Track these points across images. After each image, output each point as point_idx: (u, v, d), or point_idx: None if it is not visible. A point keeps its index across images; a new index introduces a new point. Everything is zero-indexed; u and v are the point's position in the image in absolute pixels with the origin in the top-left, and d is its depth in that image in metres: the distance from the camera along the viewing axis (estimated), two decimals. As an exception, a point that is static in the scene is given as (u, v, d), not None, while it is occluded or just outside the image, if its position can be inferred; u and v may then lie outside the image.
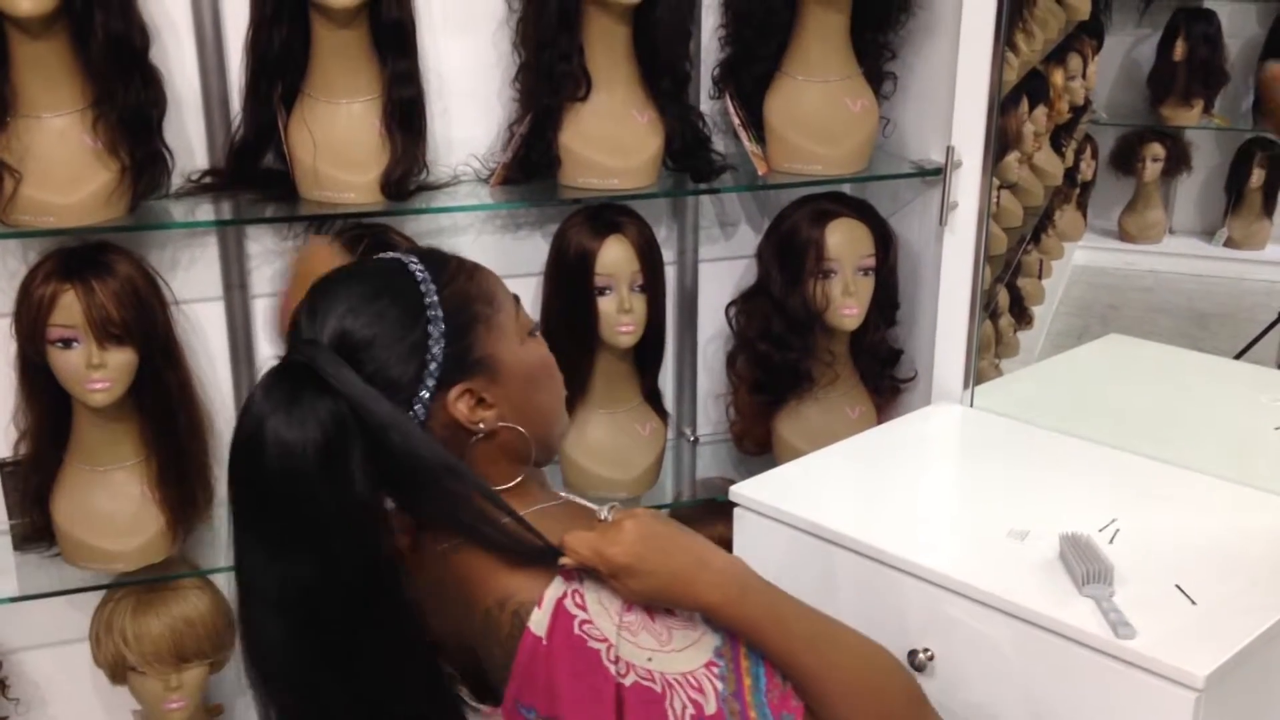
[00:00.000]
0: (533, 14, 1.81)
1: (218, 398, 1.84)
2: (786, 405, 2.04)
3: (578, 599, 1.02)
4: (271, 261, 1.84)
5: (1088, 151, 2.29)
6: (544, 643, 1.01)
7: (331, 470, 1.00)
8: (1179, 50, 2.15)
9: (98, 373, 1.61)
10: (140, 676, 1.79)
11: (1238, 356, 2.06)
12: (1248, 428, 1.82)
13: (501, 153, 1.87)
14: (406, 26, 1.72)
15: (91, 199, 1.61)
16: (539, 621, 1.02)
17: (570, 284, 1.88)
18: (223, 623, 1.83)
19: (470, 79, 1.87)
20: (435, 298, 1.07)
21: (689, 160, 1.92)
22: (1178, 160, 2.24)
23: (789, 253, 1.95)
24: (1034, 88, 2.06)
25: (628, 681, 0.99)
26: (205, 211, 1.75)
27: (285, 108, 1.73)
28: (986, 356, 2.01)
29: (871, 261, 1.95)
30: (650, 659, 1.00)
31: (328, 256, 1.37)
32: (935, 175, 1.89)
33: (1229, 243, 2.20)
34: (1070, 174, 2.26)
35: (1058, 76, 2.15)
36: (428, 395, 1.05)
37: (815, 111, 1.91)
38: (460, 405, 1.07)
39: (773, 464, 1.89)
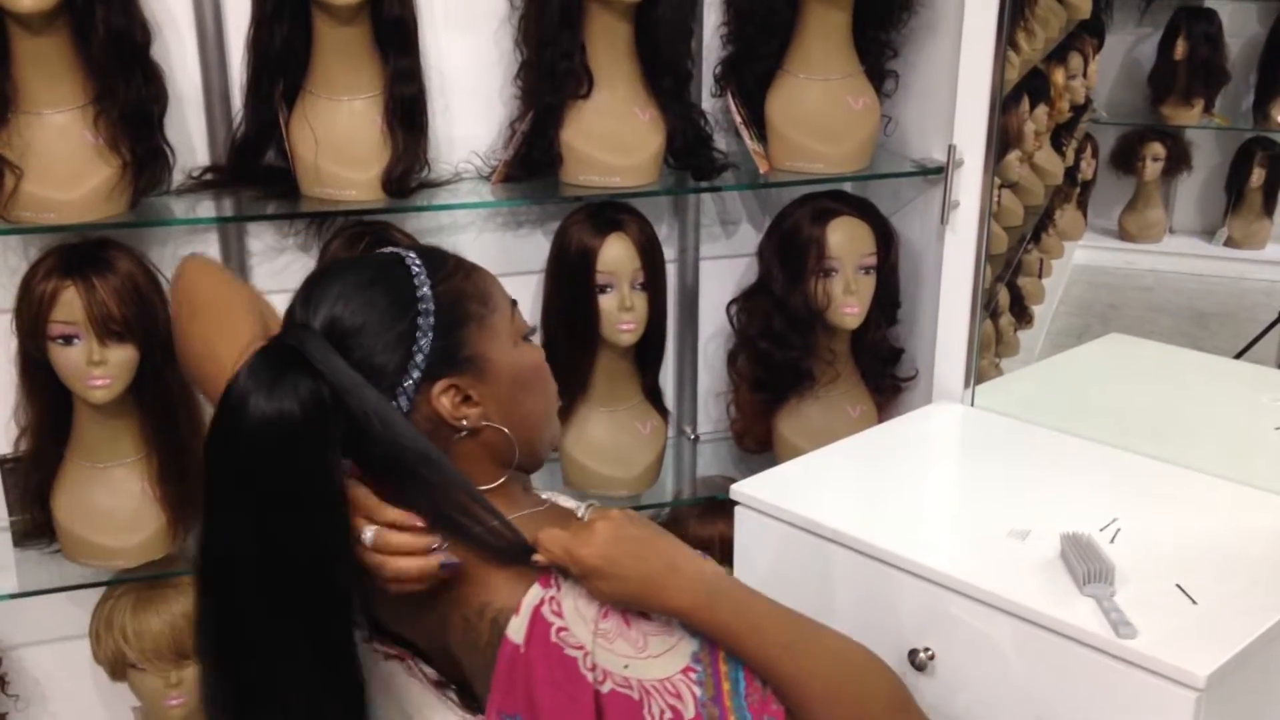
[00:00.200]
0: (534, 11, 1.80)
1: (218, 395, 1.83)
2: (787, 404, 2.04)
3: (554, 606, 1.01)
4: (272, 258, 1.84)
5: (1088, 150, 2.28)
6: (522, 650, 1.00)
7: (303, 448, 1.00)
8: (1180, 49, 2.15)
9: (98, 369, 1.61)
10: (140, 673, 1.79)
11: (1238, 356, 2.06)
12: (1248, 427, 1.82)
13: (503, 150, 1.87)
14: (408, 24, 1.72)
15: (92, 195, 1.61)
16: (517, 629, 1.01)
17: (571, 282, 1.88)
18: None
19: (472, 76, 1.87)
20: (428, 291, 1.07)
21: (690, 158, 1.92)
22: (1178, 160, 2.24)
23: (790, 251, 1.95)
24: (1035, 86, 2.06)
25: (605, 689, 0.99)
26: (206, 208, 1.74)
27: (287, 104, 1.73)
28: (987, 356, 2.01)
29: (873, 260, 1.95)
30: (627, 666, 0.99)
31: (208, 274, 1.33)
32: (937, 174, 1.89)
33: (1229, 242, 2.20)
34: (1071, 173, 2.26)
35: (1059, 75, 2.15)
36: (412, 386, 1.05)
37: (817, 110, 1.91)
38: (444, 400, 1.07)
39: (773, 462, 1.89)
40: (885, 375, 2.06)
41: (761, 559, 1.63)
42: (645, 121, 1.85)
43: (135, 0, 1.61)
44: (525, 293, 1.94)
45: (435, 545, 1.04)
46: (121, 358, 1.62)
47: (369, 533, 1.04)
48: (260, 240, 1.83)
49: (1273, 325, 2.04)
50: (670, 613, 1.01)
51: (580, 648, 0.99)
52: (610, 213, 1.88)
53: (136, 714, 1.93)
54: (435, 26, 1.82)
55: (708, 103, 1.99)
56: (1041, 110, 2.11)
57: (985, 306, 1.91)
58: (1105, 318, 2.31)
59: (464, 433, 1.08)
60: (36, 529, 1.75)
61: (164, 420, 1.71)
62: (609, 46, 1.81)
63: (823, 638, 1.07)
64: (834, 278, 1.93)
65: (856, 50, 1.91)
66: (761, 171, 1.91)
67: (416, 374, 1.05)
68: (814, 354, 1.99)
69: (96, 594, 1.83)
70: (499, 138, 1.90)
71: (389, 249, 1.14)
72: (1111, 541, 1.47)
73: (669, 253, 2.00)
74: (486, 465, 1.11)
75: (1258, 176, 2.16)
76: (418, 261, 1.10)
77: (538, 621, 1.00)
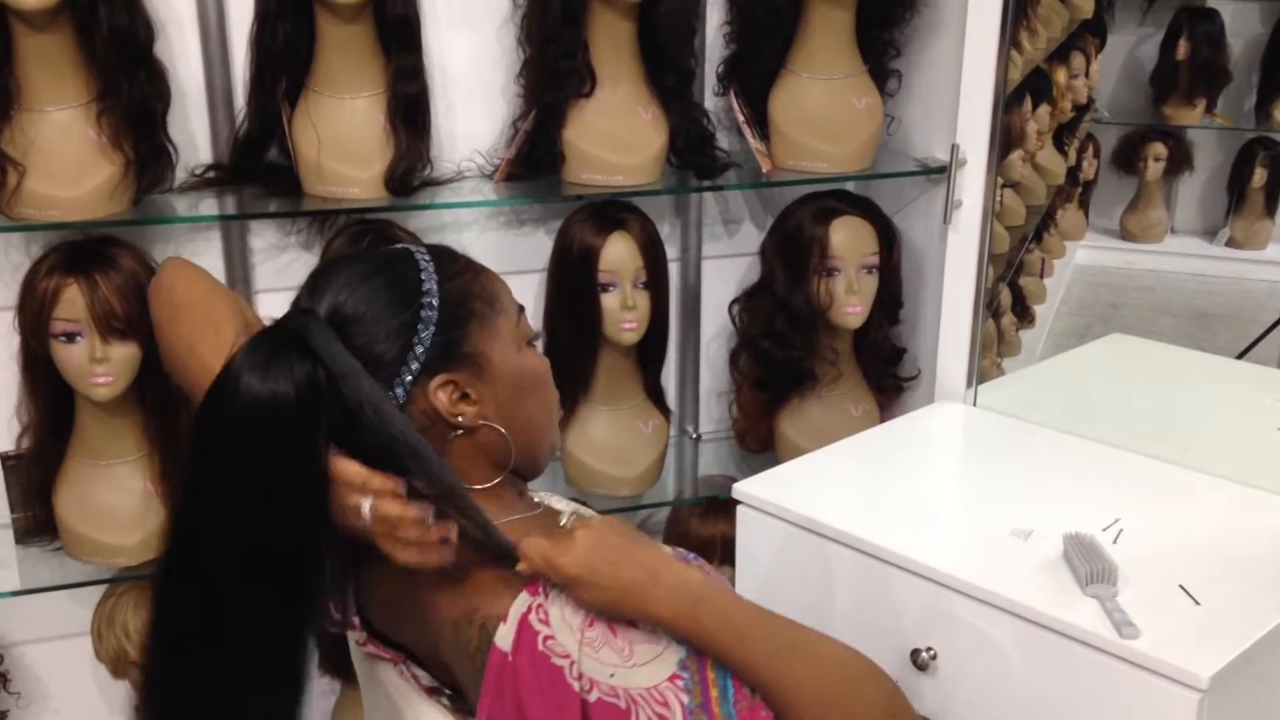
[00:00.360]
0: (537, 10, 1.80)
1: (220, 393, 1.83)
2: (789, 403, 2.04)
3: (541, 614, 1.00)
4: (275, 257, 1.84)
5: (1090, 150, 2.28)
6: (510, 659, 1.00)
7: (292, 431, 1.00)
8: (1182, 49, 2.15)
9: (101, 367, 1.60)
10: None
11: (1239, 356, 2.05)
12: (1251, 428, 1.82)
13: (505, 149, 1.87)
14: (411, 22, 1.72)
15: (95, 193, 1.61)
16: (505, 636, 1.00)
17: (573, 280, 1.87)
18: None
19: (474, 75, 1.87)
20: (433, 285, 1.07)
21: (693, 157, 1.92)
22: (1180, 160, 2.23)
23: (793, 250, 1.95)
24: (1037, 86, 2.06)
25: (592, 698, 0.98)
26: (209, 206, 1.74)
27: (289, 102, 1.73)
28: (988, 355, 2.01)
29: (875, 260, 1.95)
30: (613, 675, 0.98)
31: (186, 274, 1.33)
32: (939, 173, 1.89)
33: (1231, 242, 2.20)
34: (1072, 173, 2.26)
35: (1061, 75, 2.15)
36: (409, 378, 1.05)
37: (820, 109, 1.91)
38: (441, 395, 1.06)
39: (775, 462, 1.89)
40: (887, 375, 2.06)
41: (763, 558, 1.63)
42: (648, 120, 1.85)
43: (139, -3, 1.61)
44: (527, 292, 1.94)
45: (433, 518, 1.03)
46: (124, 355, 1.62)
47: (365, 504, 1.02)
48: (262, 238, 1.83)
49: (1275, 326, 2.04)
50: (653, 621, 1.00)
51: (566, 656, 0.98)
52: (613, 211, 1.88)
53: (138, 713, 1.93)
54: (438, 24, 1.82)
55: (710, 102, 1.99)
56: (1044, 110, 2.10)
57: (987, 306, 1.91)
58: (1106, 318, 2.30)
59: (460, 430, 1.08)
60: (38, 526, 1.75)
61: (166, 418, 1.71)
62: (612, 45, 1.81)
63: (812, 644, 1.06)
64: (836, 277, 1.93)
65: (859, 49, 1.91)
66: (764, 171, 1.91)
67: (415, 365, 1.05)
68: (816, 353, 1.99)
69: (98, 592, 1.83)
70: (501, 136, 1.90)
71: (401, 245, 1.14)
72: (1114, 542, 1.47)
73: (671, 252, 2.00)
74: (481, 465, 1.10)
75: (1259, 177, 2.16)
76: (426, 256, 1.10)
77: (525, 629, 1.00)
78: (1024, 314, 2.27)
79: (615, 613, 1.00)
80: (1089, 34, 2.18)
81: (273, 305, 1.82)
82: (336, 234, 1.81)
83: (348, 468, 1.03)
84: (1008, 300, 2.19)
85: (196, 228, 1.78)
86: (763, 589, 1.62)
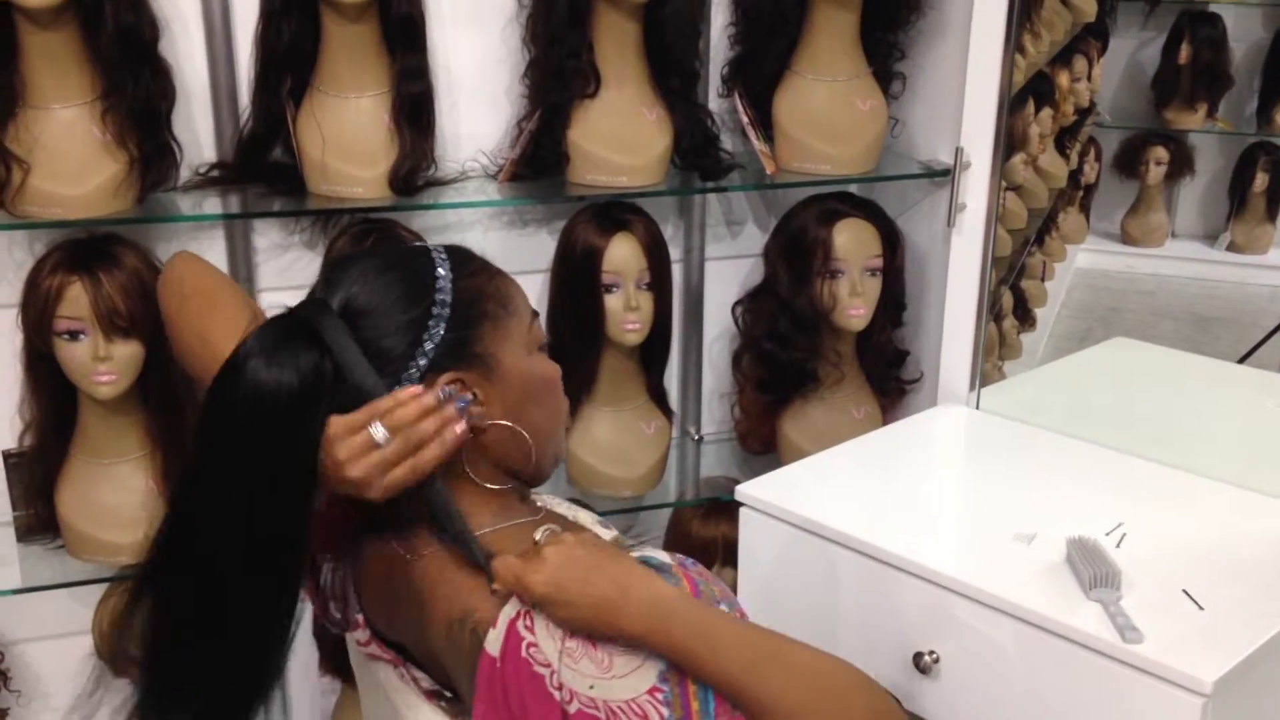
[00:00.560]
0: (543, 10, 1.80)
1: (223, 391, 1.83)
2: (791, 405, 2.04)
3: (527, 621, 1.00)
4: (278, 255, 1.84)
5: (1091, 154, 2.28)
6: (497, 664, 1.00)
7: (294, 421, 1.00)
8: (1184, 54, 2.15)
9: (104, 365, 1.60)
10: (143, 670, 1.78)
11: (1241, 361, 2.06)
12: (1255, 433, 1.83)
13: (510, 149, 1.87)
14: (416, 21, 1.72)
15: (99, 191, 1.61)
16: (493, 642, 1.00)
17: (577, 281, 1.87)
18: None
19: (479, 75, 1.87)
20: (447, 283, 1.07)
21: (697, 158, 1.92)
22: (1181, 164, 2.23)
23: (796, 252, 1.95)
24: (1040, 89, 2.06)
25: (572, 709, 0.97)
26: (213, 205, 1.74)
27: (294, 102, 1.73)
28: (990, 358, 2.01)
29: (879, 262, 1.95)
30: (592, 686, 0.97)
31: (193, 265, 1.34)
32: (943, 176, 1.89)
33: (1232, 247, 2.20)
34: (1074, 176, 2.26)
35: (1063, 78, 2.15)
36: (417, 374, 1.05)
37: (824, 111, 1.91)
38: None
39: (777, 463, 1.89)
40: (890, 377, 2.06)
41: (766, 560, 1.63)
42: (652, 121, 1.85)
43: (144, -4, 1.61)
44: (530, 292, 1.92)
45: (444, 394, 1.04)
46: (127, 353, 1.62)
47: (378, 429, 1.02)
48: (266, 237, 1.83)
49: (1276, 330, 2.04)
50: (626, 638, 0.98)
51: (547, 665, 0.98)
52: (616, 212, 1.88)
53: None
54: (443, 24, 1.82)
55: (715, 103, 1.99)
56: (1046, 113, 2.11)
57: (990, 309, 1.91)
58: (1107, 321, 2.31)
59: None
60: (40, 524, 1.75)
61: (169, 416, 1.71)
62: (617, 46, 1.81)
63: (792, 655, 1.02)
64: (840, 279, 1.93)
65: (864, 51, 1.91)
66: (768, 172, 1.91)
67: (423, 361, 1.05)
68: (819, 355, 1.99)
69: (100, 590, 1.83)
70: (506, 136, 1.90)
71: (419, 243, 1.14)
72: (1118, 546, 1.47)
73: (674, 253, 2.00)
74: (486, 467, 1.10)
75: (1261, 181, 2.16)
76: (443, 255, 1.10)
77: (512, 635, 0.99)
78: (1025, 317, 2.27)
79: (588, 629, 0.98)
80: (1091, 37, 2.18)
81: (276, 304, 1.83)
82: (340, 233, 1.80)
83: (340, 419, 1.03)
84: (1009, 303, 2.19)
85: (200, 226, 1.78)
86: (765, 591, 1.63)
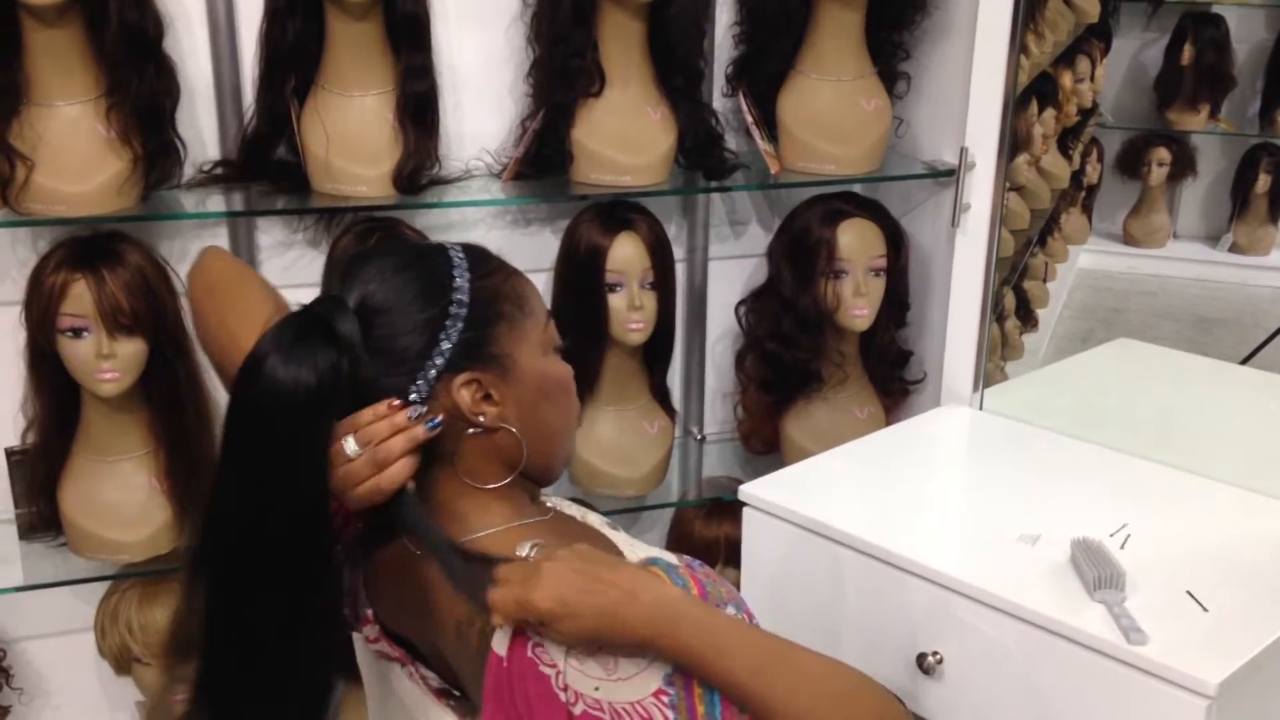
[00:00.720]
0: (547, 9, 1.80)
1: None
2: (795, 405, 2.04)
3: None
4: (281, 253, 1.84)
5: (1093, 155, 2.28)
6: (504, 663, 0.99)
7: (312, 417, 1.01)
8: (1186, 55, 2.15)
9: (107, 363, 1.60)
10: (145, 668, 1.78)
11: (1243, 362, 2.06)
12: (1259, 434, 1.82)
13: (514, 148, 1.87)
14: (421, 20, 1.72)
15: (103, 188, 1.61)
16: (500, 641, 1.00)
17: (580, 280, 1.87)
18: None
19: (484, 73, 1.87)
20: (465, 282, 1.07)
21: (701, 158, 1.92)
22: (1183, 165, 2.23)
23: (800, 252, 1.95)
24: (1043, 90, 2.06)
25: (577, 710, 0.97)
26: (216, 202, 1.74)
27: (298, 100, 1.73)
28: (992, 359, 2.01)
29: (883, 262, 1.95)
30: (598, 688, 0.96)
31: (222, 257, 1.36)
32: (948, 176, 1.89)
33: (1234, 248, 2.20)
34: (1076, 177, 2.26)
35: (1066, 79, 2.15)
36: (433, 374, 1.05)
37: (828, 111, 1.91)
38: (464, 393, 1.06)
39: (779, 464, 1.89)
40: (893, 378, 2.06)
41: (769, 561, 1.63)
42: (656, 121, 1.85)
43: (148, -6, 1.60)
44: (534, 291, 1.94)
45: (414, 414, 1.04)
46: (130, 351, 1.62)
47: (350, 442, 1.03)
48: (270, 235, 1.83)
49: (1278, 332, 2.04)
50: (634, 643, 0.97)
51: (553, 665, 0.97)
52: (620, 212, 1.88)
53: (140, 709, 1.92)
54: (448, 23, 1.82)
55: (719, 102, 1.99)
56: (1049, 113, 2.10)
57: (993, 309, 1.91)
58: (1109, 322, 2.30)
59: (479, 429, 1.07)
60: (43, 522, 1.75)
61: (172, 414, 1.71)
62: (621, 45, 1.81)
63: (800, 661, 1.01)
64: (844, 279, 1.93)
65: (869, 51, 1.91)
66: (772, 172, 1.91)
67: (440, 361, 1.05)
68: (822, 356, 1.99)
69: (102, 588, 1.83)
70: (510, 135, 1.90)
71: (436, 241, 1.14)
72: (1122, 547, 1.47)
73: (678, 252, 2.00)
74: (495, 466, 1.09)
75: (1263, 183, 2.16)
76: (460, 254, 1.10)
77: (519, 635, 0.99)
78: (1027, 318, 2.27)
79: (597, 639, 0.97)
80: (1094, 38, 2.18)
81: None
82: (344, 231, 1.80)
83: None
84: (1011, 304, 2.19)
85: (204, 224, 1.77)
86: (769, 592, 1.62)
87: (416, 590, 1.09)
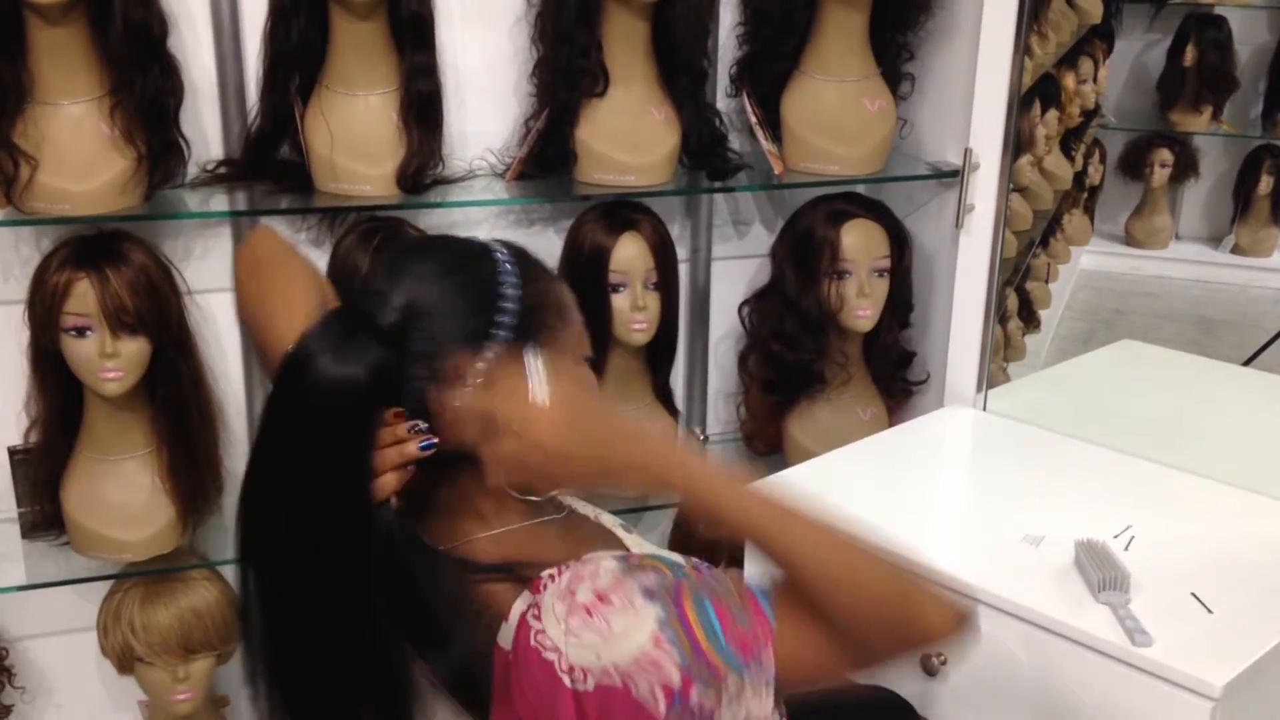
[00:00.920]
0: (552, 9, 1.80)
1: (229, 388, 1.83)
2: (798, 406, 2.03)
3: (535, 610, 0.99)
4: (285, 253, 1.84)
5: (1096, 156, 2.28)
6: (509, 655, 1.00)
7: (361, 415, 1.00)
8: (1189, 56, 2.15)
9: (111, 362, 1.60)
10: (148, 667, 1.78)
11: (1246, 363, 2.06)
12: (1263, 435, 1.83)
13: (517, 148, 1.87)
14: (425, 19, 1.71)
15: (107, 187, 1.61)
16: (506, 635, 1.00)
17: (584, 280, 1.87)
18: (231, 614, 1.82)
19: (487, 73, 1.87)
20: (513, 293, 1.06)
21: (705, 158, 1.92)
22: (1186, 166, 2.24)
23: (804, 252, 1.95)
24: (1046, 91, 2.06)
25: (590, 687, 0.96)
26: (220, 202, 1.74)
27: (302, 99, 1.73)
28: (995, 360, 2.01)
29: (886, 263, 1.95)
30: (599, 655, 0.96)
31: (278, 243, 1.37)
32: (952, 177, 1.89)
33: (1236, 250, 2.20)
34: (1079, 178, 2.26)
35: (1069, 80, 2.15)
36: (476, 380, 1.04)
37: (832, 111, 1.90)
38: None
39: (782, 465, 1.89)
40: (897, 378, 2.06)
41: (773, 561, 1.63)
42: (660, 121, 1.85)
43: (153, -8, 1.60)
44: (537, 290, 1.94)
45: (412, 427, 1.03)
46: (134, 350, 1.61)
47: None
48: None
49: (1281, 333, 2.05)
50: (637, 477, 0.98)
51: (555, 649, 0.97)
52: (624, 212, 1.87)
53: (143, 708, 1.92)
54: (452, 22, 1.81)
55: (723, 102, 1.99)
56: (1052, 115, 2.10)
57: (997, 310, 1.91)
58: (1111, 323, 2.31)
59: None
60: (45, 521, 1.75)
61: (175, 414, 1.70)
62: (626, 45, 1.81)
63: (814, 519, 1.02)
64: (847, 280, 1.93)
65: (873, 52, 1.91)
66: (776, 172, 1.91)
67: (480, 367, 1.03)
68: (825, 356, 1.99)
69: (104, 587, 1.82)
70: (514, 135, 1.90)
71: (481, 240, 1.11)
72: (1126, 549, 1.47)
73: (681, 253, 2.00)
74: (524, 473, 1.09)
75: (1265, 184, 2.16)
76: (509, 260, 1.08)
77: (522, 626, 0.99)
78: (1030, 319, 2.27)
79: (601, 478, 0.98)
80: (1097, 39, 2.18)
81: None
82: (347, 231, 1.80)
83: None
84: (1014, 305, 2.19)
85: (207, 223, 1.77)
86: (772, 592, 1.62)
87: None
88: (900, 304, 2.01)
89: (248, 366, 1.85)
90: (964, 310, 1.88)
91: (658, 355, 1.97)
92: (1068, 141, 2.18)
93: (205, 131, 1.76)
